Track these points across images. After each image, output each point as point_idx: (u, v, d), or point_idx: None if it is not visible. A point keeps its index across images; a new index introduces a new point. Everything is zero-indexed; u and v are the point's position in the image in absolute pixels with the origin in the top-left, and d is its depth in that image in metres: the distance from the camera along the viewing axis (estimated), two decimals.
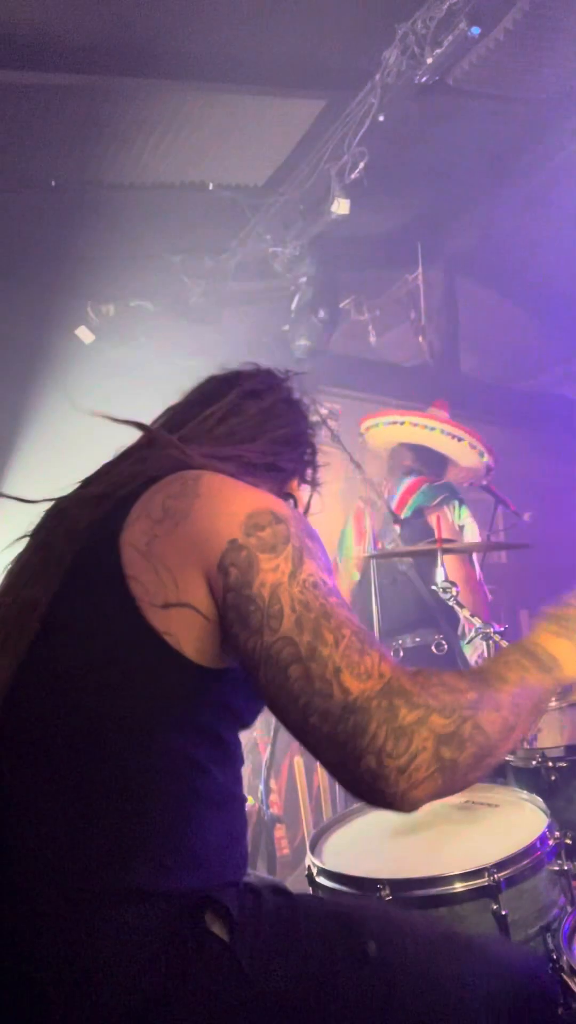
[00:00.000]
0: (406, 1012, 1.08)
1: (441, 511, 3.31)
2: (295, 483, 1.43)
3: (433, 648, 3.22)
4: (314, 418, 1.46)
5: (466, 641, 3.28)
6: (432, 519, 3.28)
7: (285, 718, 1.00)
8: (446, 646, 3.23)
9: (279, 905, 1.13)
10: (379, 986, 1.08)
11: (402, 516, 3.48)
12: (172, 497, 1.10)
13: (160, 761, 1.04)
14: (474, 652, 3.24)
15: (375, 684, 0.97)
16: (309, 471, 1.44)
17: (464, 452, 3.60)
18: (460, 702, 0.99)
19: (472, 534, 3.30)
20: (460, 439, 3.57)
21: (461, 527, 3.31)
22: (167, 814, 1.03)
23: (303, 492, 1.45)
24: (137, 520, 1.09)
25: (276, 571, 1.02)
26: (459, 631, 3.30)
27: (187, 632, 1.04)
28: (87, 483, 1.24)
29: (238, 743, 1.17)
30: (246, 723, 1.16)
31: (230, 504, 1.09)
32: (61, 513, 1.20)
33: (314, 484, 1.46)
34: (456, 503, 3.30)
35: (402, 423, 3.56)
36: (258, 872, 2.06)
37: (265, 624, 0.99)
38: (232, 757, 1.14)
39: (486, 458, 3.61)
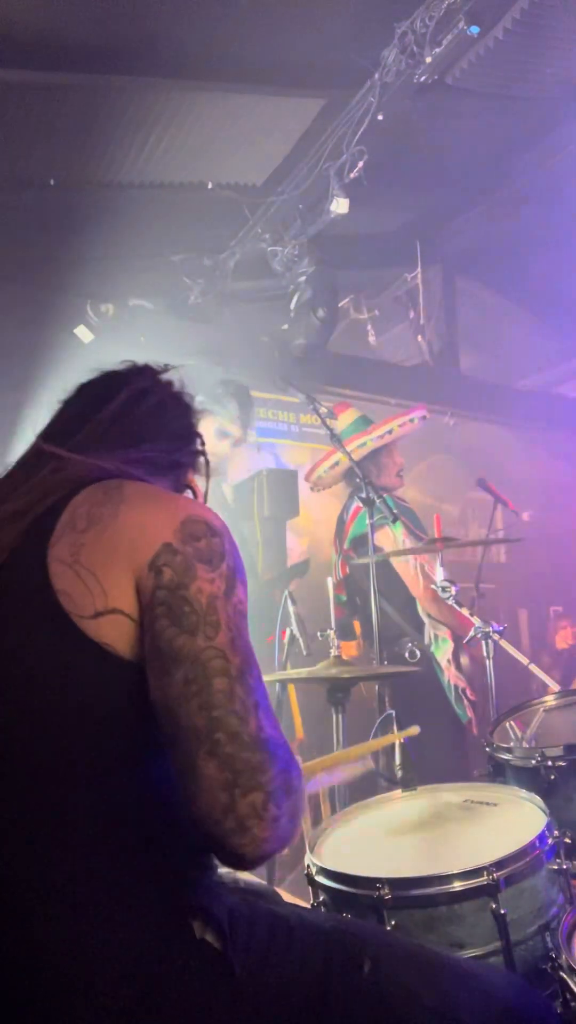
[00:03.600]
0: None
1: (380, 531, 3.35)
2: (191, 475, 1.44)
3: (407, 655, 3.28)
4: (196, 407, 1.47)
5: (434, 647, 3.33)
6: (382, 533, 3.34)
7: (187, 720, 0.99)
8: (419, 653, 3.30)
9: (275, 914, 1.13)
10: (371, 1003, 1.08)
11: (346, 546, 3.63)
12: (96, 505, 1.10)
13: (126, 761, 1.05)
14: (443, 656, 3.28)
15: (280, 736, 1.02)
16: (201, 461, 1.46)
17: (413, 426, 3.69)
18: (301, 801, 1.07)
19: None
20: (391, 431, 3.65)
21: None
22: (138, 813, 1.04)
23: (199, 483, 1.47)
24: (63, 535, 1.09)
25: (213, 584, 1.05)
26: (425, 638, 3.34)
27: (119, 636, 1.04)
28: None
29: None
30: None
31: (160, 509, 1.10)
32: None
33: (208, 475, 1.47)
34: (388, 524, 3.32)
35: (364, 444, 3.63)
36: (258, 879, 2.07)
37: (201, 629, 1.02)
38: None
39: (415, 421, 3.69)
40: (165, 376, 1.43)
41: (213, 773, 0.96)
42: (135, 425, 1.32)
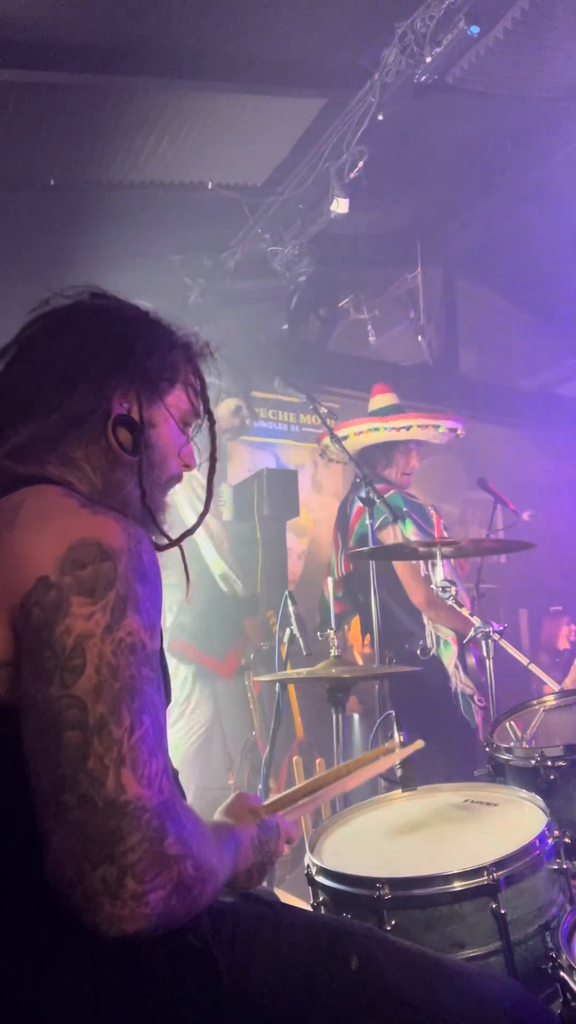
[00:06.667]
0: None
1: (384, 532, 3.33)
2: (119, 412, 1.11)
3: (418, 652, 3.28)
4: (154, 319, 1.17)
5: (439, 650, 3.33)
6: (389, 531, 3.32)
7: (35, 779, 0.87)
8: (430, 650, 3.29)
9: (261, 914, 1.10)
10: (358, 999, 1.05)
11: (351, 543, 3.62)
12: None
13: None
14: (449, 661, 3.27)
15: (154, 796, 0.86)
16: (153, 383, 1.14)
17: (436, 435, 3.68)
18: (210, 863, 0.93)
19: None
20: (408, 427, 3.63)
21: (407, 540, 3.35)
22: None
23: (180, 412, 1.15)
24: None
25: (89, 619, 0.89)
26: (428, 641, 3.34)
27: (7, 688, 0.92)
28: None
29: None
30: None
31: (48, 533, 0.93)
32: None
33: (203, 408, 1.16)
34: (398, 523, 3.30)
35: (377, 429, 3.60)
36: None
37: (57, 675, 0.87)
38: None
39: (442, 429, 3.68)
40: (80, 299, 1.16)
41: (60, 840, 0.84)
42: (38, 378, 1.09)
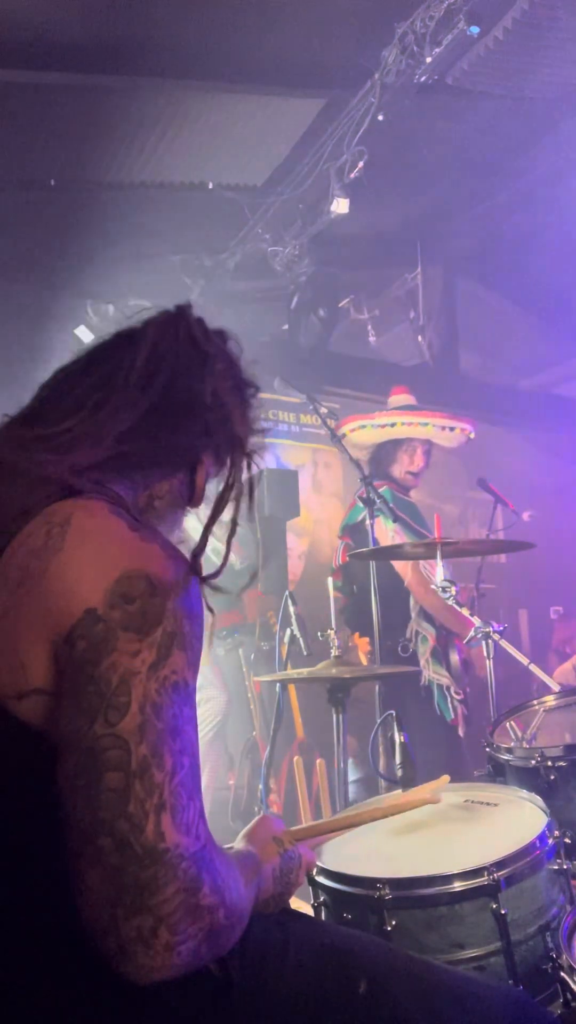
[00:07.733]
0: None
1: (375, 522, 3.35)
2: (204, 466, 1.15)
3: (399, 650, 3.30)
4: (238, 375, 1.17)
5: (415, 645, 3.36)
6: (378, 525, 3.35)
7: (70, 818, 0.85)
8: (411, 648, 3.32)
9: (268, 931, 1.08)
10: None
11: (339, 532, 3.68)
12: (34, 554, 0.92)
13: None
14: (423, 655, 3.31)
15: (191, 844, 0.85)
16: (225, 453, 1.14)
17: (449, 437, 3.68)
18: (241, 908, 0.92)
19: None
20: (452, 428, 3.66)
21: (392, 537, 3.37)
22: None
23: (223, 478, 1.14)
24: None
25: (135, 656, 0.87)
26: (407, 634, 3.36)
27: (46, 716, 0.90)
28: None
29: None
30: None
31: (98, 560, 0.91)
32: None
33: (235, 478, 1.13)
34: (380, 517, 3.30)
35: (364, 427, 3.62)
36: None
37: (101, 712, 0.85)
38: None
39: (468, 433, 3.70)
40: (178, 319, 1.15)
41: (95, 885, 0.82)
42: (119, 401, 1.07)
